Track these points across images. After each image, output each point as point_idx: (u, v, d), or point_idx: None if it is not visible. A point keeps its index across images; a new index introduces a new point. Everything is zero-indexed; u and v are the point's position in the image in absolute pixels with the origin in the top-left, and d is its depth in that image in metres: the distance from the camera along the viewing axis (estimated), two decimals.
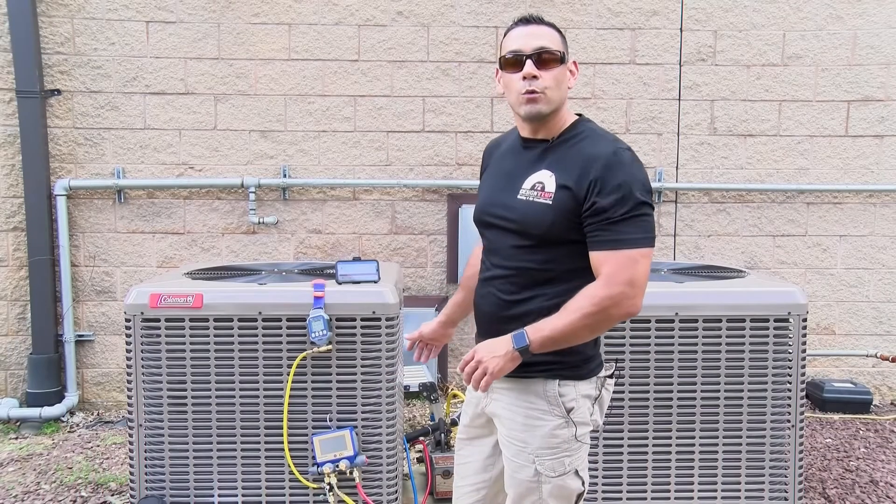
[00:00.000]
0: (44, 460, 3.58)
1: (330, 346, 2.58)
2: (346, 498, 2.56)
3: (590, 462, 1.88)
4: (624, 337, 2.63)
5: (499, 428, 1.87)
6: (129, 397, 2.62)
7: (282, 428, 2.61)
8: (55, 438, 3.88)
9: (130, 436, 2.64)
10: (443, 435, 3.06)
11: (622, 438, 2.68)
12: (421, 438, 3.09)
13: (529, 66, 1.74)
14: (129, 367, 2.62)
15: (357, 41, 4.22)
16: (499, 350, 1.69)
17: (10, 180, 4.14)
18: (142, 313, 2.59)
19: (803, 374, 2.69)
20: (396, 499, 2.69)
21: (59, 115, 4.14)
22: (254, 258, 4.26)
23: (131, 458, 2.65)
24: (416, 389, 3.76)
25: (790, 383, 2.68)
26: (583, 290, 1.69)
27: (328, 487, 2.55)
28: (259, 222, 4.21)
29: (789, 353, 2.67)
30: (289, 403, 2.60)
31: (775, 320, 2.66)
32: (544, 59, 1.75)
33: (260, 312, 2.59)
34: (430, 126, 4.29)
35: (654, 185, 4.22)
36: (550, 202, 1.73)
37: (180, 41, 4.16)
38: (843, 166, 4.39)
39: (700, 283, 2.88)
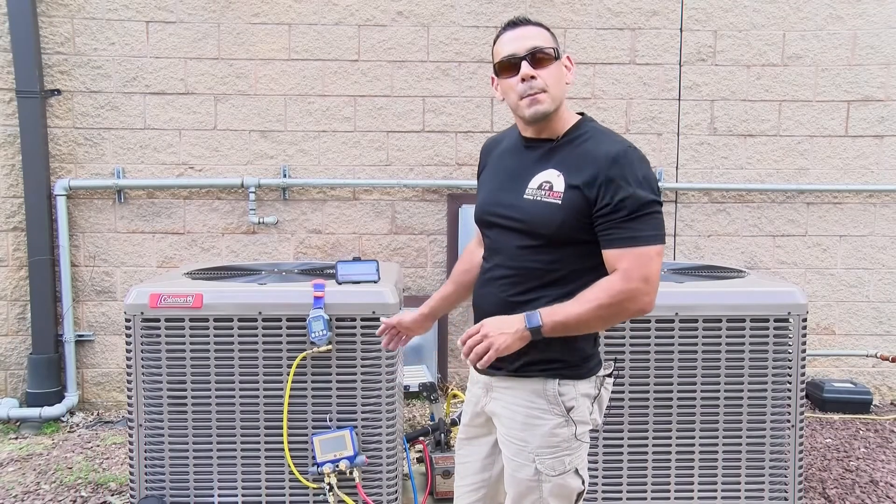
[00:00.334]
0: (44, 460, 3.58)
1: (330, 346, 2.58)
2: (346, 498, 2.56)
3: (590, 462, 1.89)
4: (624, 337, 2.64)
5: (498, 427, 1.87)
6: (129, 397, 2.62)
7: (282, 428, 2.61)
8: (55, 438, 3.88)
9: (130, 436, 2.64)
10: (443, 435, 3.06)
11: (622, 438, 2.68)
12: (421, 438, 3.09)
13: (526, 68, 1.74)
14: (129, 367, 2.62)
15: (357, 41, 4.22)
16: (509, 327, 1.66)
17: (10, 180, 4.14)
18: (142, 313, 2.59)
19: (803, 374, 2.69)
20: (396, 499, 2.69)
21: (59, 115, 4.14)
22: (254, 258, 4.26)
23: (131, 458, 2.65)
24: (416, 389, 3.76)
25: (790, 383, 2.68)
26: (599, 281, 1.69)
27: (328, 487, 2.55)
28: (259, 222, 4.21)
29: (789, 353, 2.67)
30: (289, 403, 2.60)
31: (775, 320, 2.66)
32: (539, 58, 1.75)
33: (260, 312, 2.59)
34: (430, 126, 4.29)
35: None
36: (560, 202, 1.72)
37: (180, 41, 4.16)
38: (843, 166, 4.39)
39: (700, 283, 2.88)
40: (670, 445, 2.69)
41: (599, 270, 1.73)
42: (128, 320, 2.60)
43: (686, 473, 2.71)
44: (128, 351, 2.61)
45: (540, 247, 1.76)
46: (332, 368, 2.61)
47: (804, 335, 2.67)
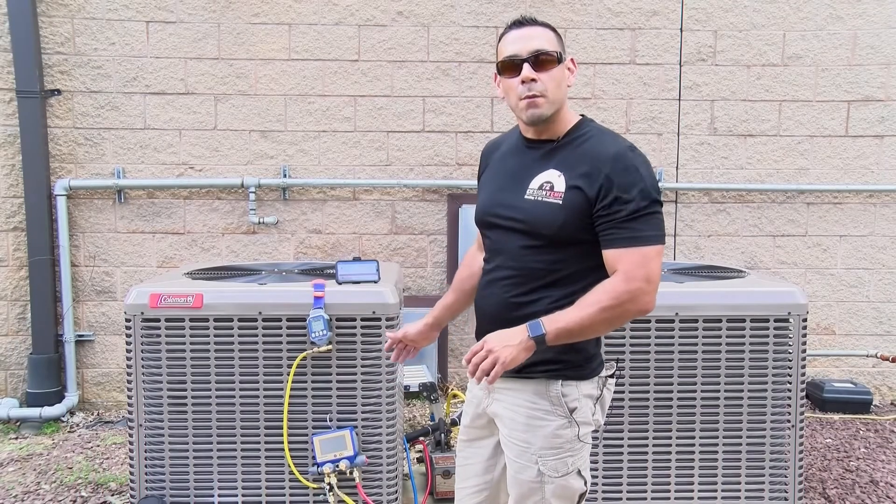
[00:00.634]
0: (44, 460, 3.58)
1: (330, 346, 2.58)
2: (346, 498, 2.56)
3: (590, 462, 1.88)
4: (624, 337, 2.63)
5: (500, 428, 1.86)
6: (129, 397, 2.63)
7: (282, 428, 2.61)
8: (55, 438, 3.88)
9: (130, 436, 2.64)
10: (443, 435, 3.06)
11: (622, 438, 2.68)
12: (421, 438, 3.09)
13: (527, 70, 1.74)
14: (129, 367, 2.62)
15: (357, 41, 4.22)
16: (512, 339, 1.65)
17: (10, 180, 4.14)
18: (142, 313, 2.59)
19: (803, 374, 2.69)
20: (396, 499, 2.69)
21: (59, 115, 4.14)
22: (254, 258, 4.26)
23: (131, 458, 2.65)
24: (416, 389, 3.76)
25: (790, 383, 2.68)
26: (599, 284, 1.68)
27: (328, 487, 2.55)
28: (259, 222, 4.21)
29: (789, 353, 2.67)
30: (289, 403, 2.60)
31: (775, 320, 2.66)
32: (541, 60, 1.74)
33: (260, 312, 2.59)
34: (430, 126, 4.29)
35: None
36: (560, 202, 1.72)
37: (180, 41, 4.16)
38: (843, 166, 4.39)
39: (700, 283, 2.88)
40: (670, 445, 2.69)
41: (601, 270, 1.73)
42: (128, 320, 2.60)
43: (686, 473, 2.71)
44: (128, 351, 2.61)
45: (541, 247, 1.76)
46: (332, 368, 2.61)
47: (804, 335, 2.67)
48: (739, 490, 2.71)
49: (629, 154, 1.71)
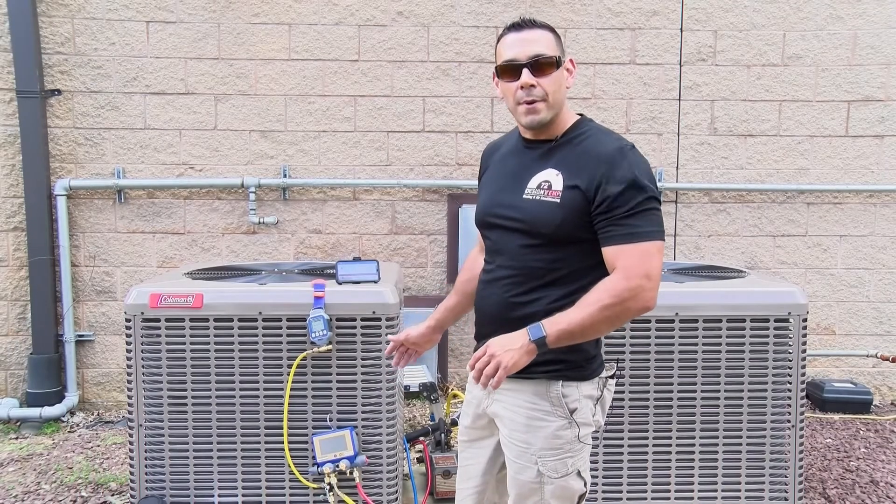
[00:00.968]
0: (44, 460, 3.58)
1: (330, 346, 2.58)
2: (346, 498, 2.56)
3: (590, 462, 1.88)
4: (624, 337, 2.63)
5: (500, 429, 1.86)
6: (130, 397, 2.63)
7: (282, 428, 2.61)
8: (55, 438, 3.88)
9: (130, 436, 2.64)
10: (443, 435, 3.06)
11: (622, 438, 2.68)
12: (421, 438, 3.09)
13: (526, 76, 1.73)
14: (129, 367, 2.62)
15: (357, 41, 4.22)
16: (513, 343, 1.65)
17: (11, 180, 4.14)
18: (142, 313, 2.59)
19: (803, 374, 2.69)
20: (396, 499, 2.69)
21: (59, 115, 4.14)
22: (254, 258, 4.26)
23: (131, 458, 2.65)
24: (416, 389, 3.76)
25: (790, 383, 2.68)
26: (599, 283, 1.68)
27: (328, 487, 2.55)
28: (259, 222, 4.21)
29: (789, 353, 2.67)
30: (289, 403, 2.60)
31: (775, 320, 2.66)
32: (541, 65, 1.74)
33: (260, 312, 2.59)
34: (430, 126, 4.29)
35: None
36: (559, 201, 1.72)
37: (180, 41, 4.16)
38: (844, 166, 4.39)
39: (700, 283, 2.88)
40: (670, 445, 2.69)
41: (601, 269, 1.73)
42: (128, 320, 2.60)
43: (686, 473, 2.71)
44: (128, 351, 2.61)
45: (541, 246, 1.76)
46: (332, 368, 2.61)
47: (804, 335, 2.67)
48: (739, 490, 2.71)
49: (626, 152, 1.71)
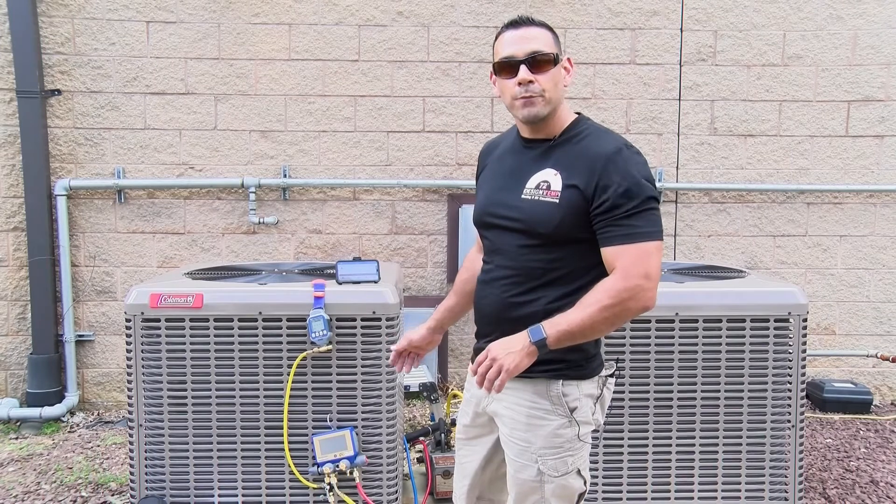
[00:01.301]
0: (44, 460, 3.58)
1: (330, 346, 2.58)
2: (346, 498, 2.56)
3: (590, 462, 1.88)
4: (624, 337, 2.63)
5: (500, 427, 1.87)
6: (130, 397, 2.63)
7: (282, 428, 2.61)
8: (55, 438, 3.88)
9: (130, 436, 2.64)
10: (443, 435, 3.05)
11: (622, 438, 2.68)
12: (421, 438, 3.09)
13: (524, 72, 1.74)
14: (129, 367, 2.62)
15: (357, 41, 4.22)
16: (514, 346, 1.66)
17: (11, 180, 4.14)
18: (142, 313, 2.59)
19: (803, 374, 2.69)
20: (396, 499, 2.69)
21: (59, 115, 4.14)
22: (254, 258, 4.26)
23: (131, 458, 2.65)
24: (416, 389, 3.76)
25: (790, 383, 2.68)
26: (598, 284, 1.68)
27: (328, 487, 2.55)
28: (259, 222, 4.21)
29: (789, 353, 2.67)
30: (289, 403, 2.60)
31: (775, 320, 2.66)
32: (538, 62, 1.74)
33: (260, 312, 2.59)
34: (430, 126, 4.29)
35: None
36: (557, 201, 1.72)
37: (180, 41, 4.16)
38: (844, 166, 4.39)
39: (700, 283, 2.88)
40: (670, 445, 2.69)
41: (600, 269, 1.73)
42: (128, 320, 2.60)
43: (686, 473, 2.71)
44: (128, 351, 2.61)
45: (539, 246, 1.76)
46: (332, 368, 2.61)
47: (804, 335, 2.67)
48: (739, 490, 2.71)
49: (625, 152, 1.71)
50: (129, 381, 2.62)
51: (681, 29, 4.30)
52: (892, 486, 3.30)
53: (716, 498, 2.72)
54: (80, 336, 4.22)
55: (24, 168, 4.06)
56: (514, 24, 1.80)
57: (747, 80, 4.34)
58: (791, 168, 4.39)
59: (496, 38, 1.83)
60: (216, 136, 4.22)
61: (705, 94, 4.33)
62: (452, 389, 3.72)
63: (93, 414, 4.22)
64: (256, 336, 2.60)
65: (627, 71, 4.30)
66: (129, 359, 2.61)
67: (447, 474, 2.91)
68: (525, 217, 1.76)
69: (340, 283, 2.67)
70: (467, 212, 4.23)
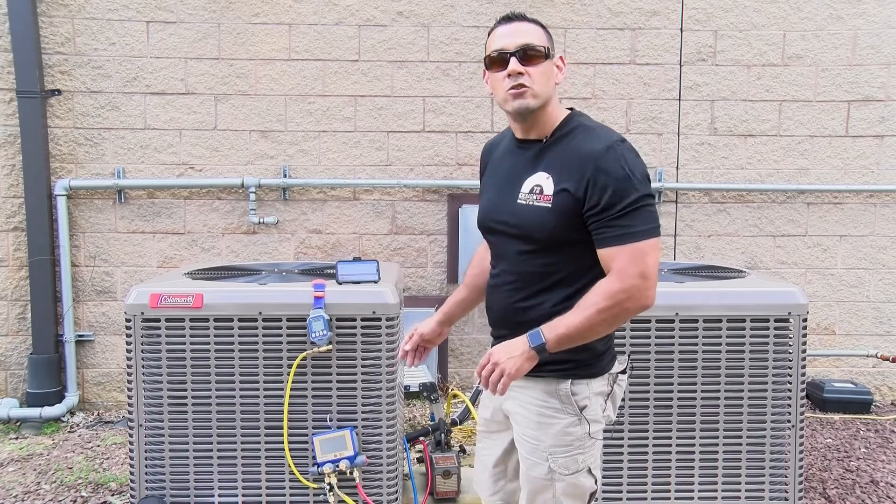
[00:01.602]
0: (44, 460, 3.58)
1: (330, 346, 2.58)
2: (346, 498, 2.56)
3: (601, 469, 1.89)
4: (624, 337, 2.63)
5: (514, 426, 1.89)
6: (130, 397, 2.62)
7: (282, 428, 2.61)
8: (55, 438, 3.88)
9: (130, 436, 2.64)
10: (443, 435, 3.05)
11: (622, 438, 2.68)
12: (421, 438, 3.09)
13: (514, 64, 1.73)
14: (129, 367, 2.62)
15: (357, 41, 4.22)
16: (515, 350, 1.68)
17: (11, 180, 4.14)
18: (142, 313, 2.59)
19: (803, 374, 2.69)
20: (396, 499, 2.69)
21: (59, 115, 4.14)
22: (254, 258, 4.26)
23: (131, 458, 2.65)
24: (416, 389, 3.76)
25: (790, 383, 2.68)
26: (595, 285, 1.69)
27: (328, 487, 2.55)
28: (259, 222, 4.21)
29: (789, 353, 2.67)
30: (289, 403, 2.60)
31: (775, 320, 2.66)
32: (529, 55, 1.74)
33: (260, 312, 2.59)
34: (430, 126, 4.29)
35: (654, 185, 4.23)
36: (550, 205, 1.72)
37: (180, 41, 4.16)
38: (844, 166, 4.39)
39: (700, 283, 2.87)
40: (670, 445, 2.69)
41: (599, 268, 1.73)
42: (128, 320, 2.60)
43: (686, 473, 2.71)
44: (128, 351, 2.61)
45: (536, 251, 1.77)
46: (332, 368, 2.61)
47: (804, 335, 2.67)
48: (739, 490, 2.71)
49: (614, 150, 1.69)
50: (129, 381, 2.62)
51: (681, 29, 4.30)
52: (892, 486, 3.30)
53: (716, 498, 2.72)
54: (80, 336, 4.22)
55: (24, 168, 4.06)
56: (506, 19, 1.80)
57: (747, 80, 4.33)
58: (791, 168, 4.39)
59: (489, 34, 1.83)
60: (216, 136, 4.22)
61: (705, 94, 4.33)
62: (452, 389, 3.72)
63: (93, 414, 4.22)
64: (256, 336, 2.60)
65: (627, 71, 4.30)
66: (129, 359, 2.61)
67: (447, 474, 2.91)
68: (520, 223, 1.77)
69: (340, 283, 2.67)
70: (467, 212, 4.24)
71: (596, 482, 1.83)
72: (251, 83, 4.21)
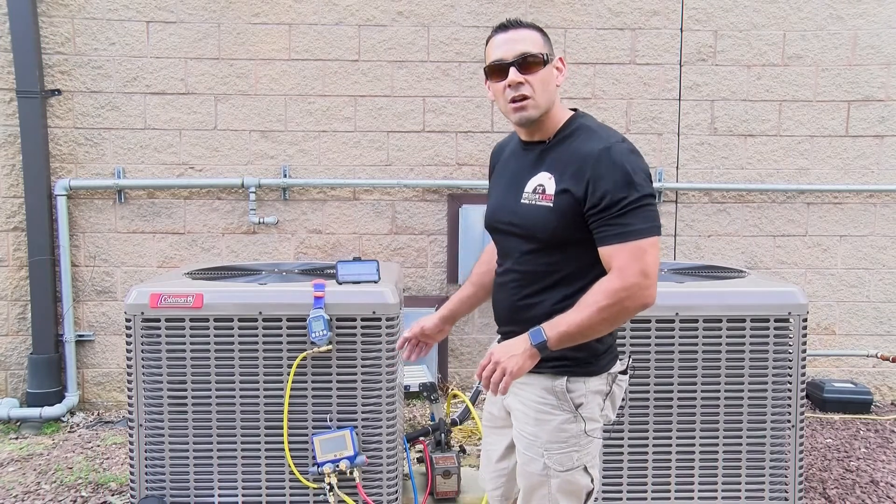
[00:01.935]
0: (44, 460, 3.58)
1: (330, 346, 2.58)
2: (346, 498, 2.56)
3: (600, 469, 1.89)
4: (624, 337, 2.63)
5: (514, 422, 1.91)
6: (130, 397, 2.62)
7: (282, 428, 2.61)
8: (55, 438, 3.88)
9: (130, 436, 2.64)
10: (443, 435, 3.05)
11: (622, 438, 2.68)
12: (421, 438, 3.09)
13: (513, 74, 1.75)
14: (129, 367, 2.62)
15: (357, 41, 4.22)
16: (516, 349, 1.70)
17: (11, 180, 4.14)
18: (142, 313, 2.59)
19: (803, 374, 2.69)
20: (396, 499, 2.69)
21: (59, 115, 4.14)
22: (254, 258, 4.26)
23: (131, 458, 2.65)
24: (416, 389, 3.76)
25: (790, 383, 2.68)
26: (596, 284, 1.70)
27: (328, 487, 2.55)
28: (259, 222, 4.21)
29: (789, 353, 2.67)
30: (289, 403, 2.60)
31: (775, 320, 2.66)
32: (528, 63, 1.76)
33: (260, 312, 2.59)
34: (430, 126, 4.29)
35: (654, 185, 4.22)
36: (552, 204, 1.75)
37: (180, 41, 4.16)
38: (844, 166, 4.39)
39: (700, 283, 2.88)
40: (670, 445, 2.69)
41: (600, 267, 1.75)
42: (128, 320, 2.60)
43: (686, 473, 2.71)
44: (128, 351, 2.61)
45: (539, 250, 1.79)
46: (332, 368, 2.61)
47: (804, 335, 2.67)
48: (739, 490, 2.71)
49: (614, 149, 1.71)
50: (129, 381, 2.62)
51: (681, 29, 4.30)
52: (892, 486, 3.30)
53: (716, 498, 2.72)
54: (80, 336, 4.22)
55: (24, 168, 4.06)
56: (503, 27, 1.81)
57: (747, 80, 4.33)
58: (791, 168, 4.39)
59: (486, 43, 1.84)
60: (216, 136, 4.22)
61: (705, 94, 4.33)
62: (452, 389, 3.72)
63: (93, 414, 4.22)
64: (256, 336, 2.60)
65: (627, 71, 4.30)
66: (129, 359, 2.61)
67: (447, 474, 2.91)
68: (524, 222, 1.80)
69: (340, 283, 2.67)
70: (467, 212, 4.24)
71: (593, 481, 1.84)
72: (251, 83, 4.21)
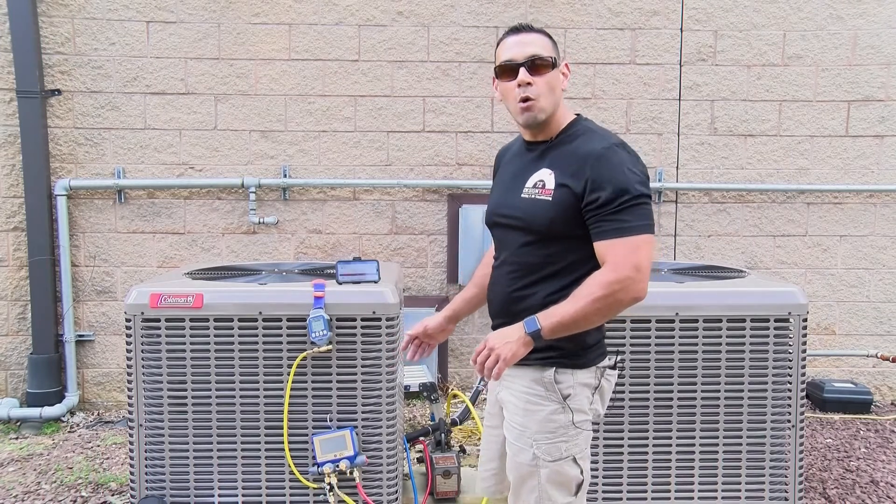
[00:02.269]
0: (44, 460, 3.58)
1: (330, 346, 2.58)
2: (346, 498, 2.56)
3: (590, 461, 1.90)
4: (624, 337, 2.63)
5: (505, 414, 1.95)
6: (130, 397, 2.62)
7: (282, 428, 2.61)
8: (55, 438, 3.88)
9: (130, 436, 2.64)
10: (443, 435, 3.05)
11: (622, 438, 2.68)
12: (421, 438, 3.08)
13: (523, 74, 1.84)
14: (129, 367, 2.62)
15: (357, 41, 4.22)
16: (511, 336, 1.75)
17: (11, 180, 4.14)
18: (142, 313, 2.59)
19: (803, 374, 2.69)
20: (396, 499, 2.69)
21: (59, 115, 4.14)
22: (254, 258, 4.26)
23: (131, 458, 2.65)
24: (416, 389, 3.76)
25: (790, 383, 2.68)
26: (591, 276, 1.76)
27: (328, 487, 2.55)
28: (259, 222, 4.21)
29: (789, 353, 2.67)
30: (289, 403, 2.60)
31: (775, 320, 2.66)
32: (537, 65, 1.84)
33: (260, 312, 2.59)
34: (430, 126, 4.29)
35: (654, 185, 4.24)
36: (551, 199, 1.82)
37: (180, 41, 4.16)
38: (844, 166, 4.39)
39: (700, 283, 2.88)
40: (670, 445, 2.69)
41: (594, 262, 1.81)
42: (128, 320, 2.60)
43: (686, 473, 2.71)
44: (128, 351, 2.61)
45: (537, 242, 1.85)
46: (332, 368, 2.61)
47: (804, 335, 2.67)
48: (739, 490, 2.71)
49: (614, 150, 1.79)
50: (129, 381, 2.62)
51: (681, 29, 4.30)
52: (892, 486, 3.30)
53: (716, 498, 2.72)
54: (80, 336, 4.22)
55: (24, 168, 4.06)
56: (515, 30, 1.90)
57: (747, 80, 4.33)
58: (791, 168, 4.39)
59: (498, 44, 1.93)
60: (216, 136, 4.22)
61: (705, 94, 4.33)
62: (452, 389, 3.72)
63: (93, 414, 4.22)
64: (256, 336, 2.60)
65: (627, 71, 4.30)
66: (129, 359, 2.61)
67: (447, 474, 2.91)
68: (523, 215, 1.87)
69: (340, 283, 2.67)
70: (467, 212, 4.24)
71: (582, 473, 1.88)
72: (251, 83, 4.21)
